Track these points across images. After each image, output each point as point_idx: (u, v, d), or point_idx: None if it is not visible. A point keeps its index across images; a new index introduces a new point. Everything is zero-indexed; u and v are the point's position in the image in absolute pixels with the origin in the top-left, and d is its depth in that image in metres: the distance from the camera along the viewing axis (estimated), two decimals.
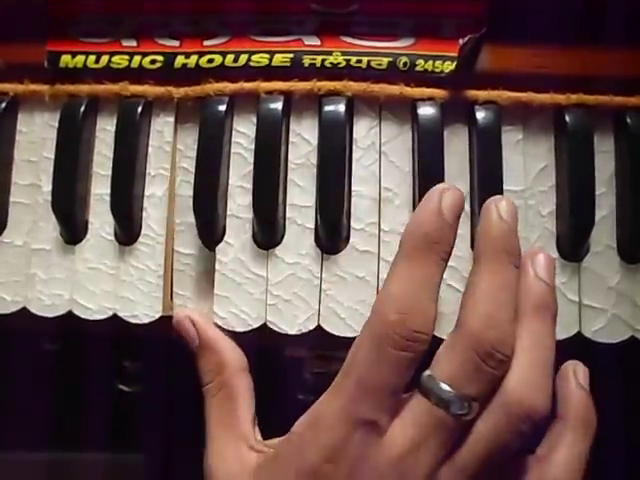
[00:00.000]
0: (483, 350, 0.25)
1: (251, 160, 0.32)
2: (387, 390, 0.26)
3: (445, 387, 0.25)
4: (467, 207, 0.32)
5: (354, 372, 0.26)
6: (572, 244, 0.32)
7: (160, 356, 0.38)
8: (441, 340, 0.31)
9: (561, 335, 0.31)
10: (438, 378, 0.26)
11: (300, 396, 0.37)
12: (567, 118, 0.32)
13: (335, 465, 0.25)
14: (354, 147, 0.32)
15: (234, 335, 0.32)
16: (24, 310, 0.33)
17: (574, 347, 0.32)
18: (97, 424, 0.37)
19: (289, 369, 0.36)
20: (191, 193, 0.32)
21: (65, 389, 0.38)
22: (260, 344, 0.33)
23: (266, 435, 0.30)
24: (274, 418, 0.33)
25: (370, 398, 0.25)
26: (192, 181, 0.33)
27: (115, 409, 0.38)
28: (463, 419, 0.25)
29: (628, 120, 0.32)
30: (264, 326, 0.32)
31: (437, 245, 0.26)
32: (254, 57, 0.33)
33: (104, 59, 0.33)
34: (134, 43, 0.33)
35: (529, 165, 0.33)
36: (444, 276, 0.30)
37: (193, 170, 0.33)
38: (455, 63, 0.32)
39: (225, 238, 0.32)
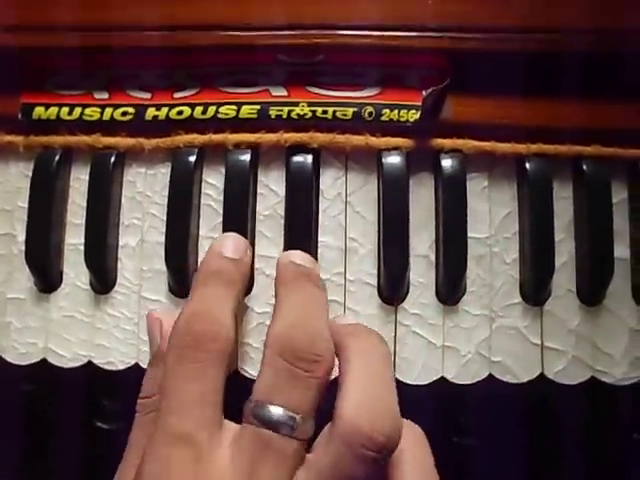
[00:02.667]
0: (290, 354, 0.25)
1: (220, 211, 0.33)
2: (194, 396, 0.25)
3: (267, 407, 0.25)
4: (432, 256, 0.33)
5: (161, 388, 0.26)
6: (534, 290, 0.33)
7: (138, 393, 0.38)
8: (405, 385, 0.32)
9: (525, 377, 0.33)
10: (254, 397, 0.25)
11: None
12: (527, 167, 0.33)
13: None
14: (321, 198, 0.33)
15: None
16: None
17: (537, 388, 0.33)
18: (74, 462, 0.38)
19: None
20: (159, 239, 0.33)
21: (42, 427, 0.38)
22: (233, 386, 0.34)
23: None
24: None
25: (177, 410, 0.25)
26: (159, 227, 0.34)
27: (93, 447, 0.38)
28: (295, 439, 0.24)
29: (585, 167, 0.33)
30: (235, 372, 0.33)
31: (221, 274, 0.29)
32: (222, 109, 0.33)
33: (77, 111, 0.34)
34: (106, 95, 0.34)
35: (494, 211, 0.34)
36: (408, 323, 0.32)
37: (160, 216, 0.34)
38: (420, 112, 0.33)
39: None
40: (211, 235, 0.33)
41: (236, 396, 0.33)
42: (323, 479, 0.24)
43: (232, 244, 0.30)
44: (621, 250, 0.33)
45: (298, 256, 0.30)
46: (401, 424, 0.25)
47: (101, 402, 0.39)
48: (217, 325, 0.27)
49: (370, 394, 0.25)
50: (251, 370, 0.32)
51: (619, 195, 0.33)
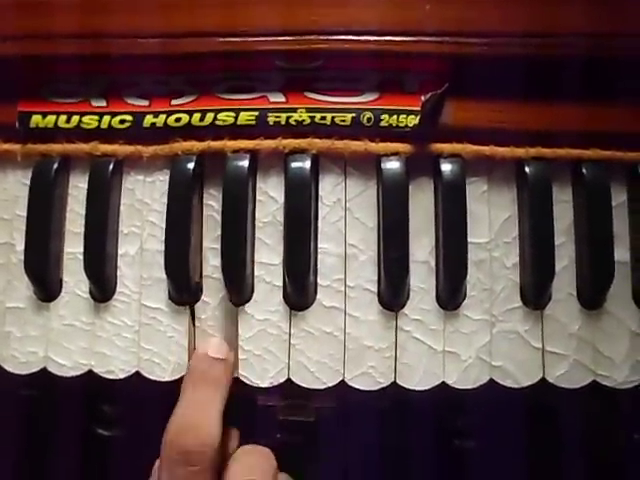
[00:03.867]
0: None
1: (219, 219, 0.33)
2: None
3: None
4: (432, 261, 0.33)
5: None
6: (535, 294, 0.33)
7: (139, 400, 0.38)
8: (408, 390, 0.32)
9: (526, 382, 0.33)
10: None
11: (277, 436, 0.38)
12: (527, 170, 0.33)
13: None
14: (320, 204, 0.33)
15: None
16: None
17: (539, 393, 0.33)
18: (74, 469, 0.38)
19: (262, 416, 0.37)
20: (158, 247, 0.33)
21: (42, 436, 0.38)
22: (235, 393, 0.34)
23: None
24: None
25: None
26: (158, 235, 0.33)
27: (93, 454, 0.38)
28: None
29: (584, 171, 0.33)
30: (237, 379, 0.33)
31: (208, 375, 0.32)
32: (220, 115, 0.33)
33: (75, 119, 0.34)
34: (104, 103, 0.34)
35: (494, 216, 0.34)
36: (409, 329, 0.32)
37: (160, 224, 0.34)
38: (419, 117, 0.33)
39: (202, 297, 0.33)
40: (214, 246, 0.33)
41: (237, 403, 0.34)
42: None
43: (215, 345, 0.32)
44: (621, 253, 0.33)
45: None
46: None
47: (101, 409, 0.39)
48: (203, 437, 0.30)
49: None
50: (251, 377, 0.32)
51: (618, 198, 0.33)
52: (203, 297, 0.33)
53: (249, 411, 0.35)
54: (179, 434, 0.30)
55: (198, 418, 0.30)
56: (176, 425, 0.30)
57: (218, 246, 0.33)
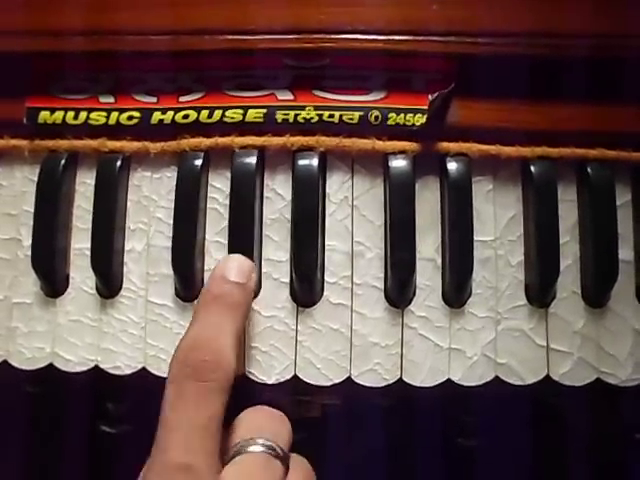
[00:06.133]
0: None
1: (227, 215, 0.33)
2: (193, 427, 0.26)
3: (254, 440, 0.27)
4: (438, 259, 0.33)
5: (161, 419, 0.26)
6: (539, 292, 0.33)
7: (144, 397, 0.38)
8: (414, 387, 0.32)
9: (530, 379, 0.33)
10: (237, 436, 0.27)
11: None
12: (532, 170, 0.33)
13: None
14: (327, 202, 0.33)
15: None
16: (5, 363, 0.34)
17: (543, 390, 0.33)
18: (80, 465, 0.38)
19: None
20: (165, 244, 0.33)
21: (47, 431, 0.38)
22: (240, 390, 0.34)
23: None
24: None
25: (177, 440, 0.26)
26: (165, 231, 0.34)
27: (98, 451, 0.38)
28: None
29: (589, 170, 0.33)
30: (243, 375, 0.33)
31: (224, 298, 0.29)
32: (228, 112, 0.33)
33: (82, 115, 0.34)
34: (112, 99, 0.34)
35: (499, 214, 0.34)
36: (415, 326, 0.32)
37: (167, 220, 0.34)
38: (426, 116, 0.33)
39: None
40: (217, 239, 0.33)
41: (244, 399, 0.34)
42: None
43: (236, 267, 0.30)
44: (625, 252, 0.33)
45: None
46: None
47: (106, 406, 0.39)
48: (217, 355, 0.27)
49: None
50: (258, 373, 0.32)
51: (623, 197, 0.33)
52: None
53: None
54: (192, 349, 0.27)
55: (213, 337, 0.28)
56: (188, 342, 0.28)
57: (222, 239, 0.33)
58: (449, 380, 0.32)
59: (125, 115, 0.34)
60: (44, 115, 0.34)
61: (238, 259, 0.31)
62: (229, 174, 0.33)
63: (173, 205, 0.33)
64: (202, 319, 0.29)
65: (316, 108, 0.33)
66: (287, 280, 0.33)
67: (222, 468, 0.27)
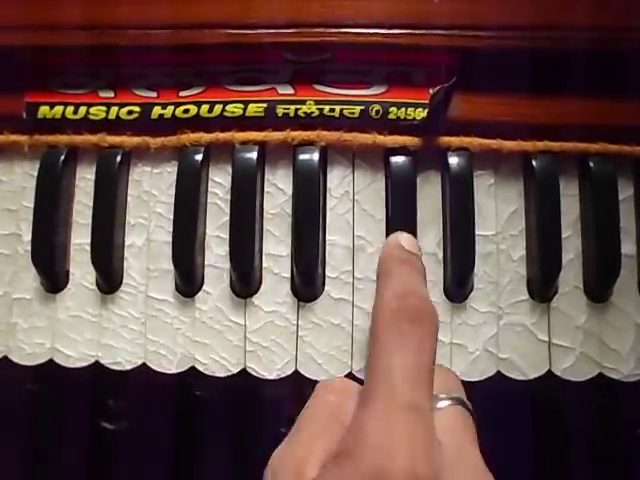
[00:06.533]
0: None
1: (227, 210, 0.33)
2: (418, 369, 0.25)
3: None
4: (439, 253, 0.33)
5: (376, 365, 0.25)
6: (541, 287, 0.33)
7: (144, 393, 0.38)
8: None
9: (532, 374, 0.33)
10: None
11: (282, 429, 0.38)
12: (534, 164, 0.33)
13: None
14: (328, 196, 0.33)
15: (215, 380, 0.33)
16: (5, 359, 0.34)
17: (545, 385, 0.33)
18: (80, 462, 0.38)
19: (269, 408, 0.37)
20: (165, 239, 0.33)
21: (47, 427, 0.38)
22: (241, 385, 0.34)
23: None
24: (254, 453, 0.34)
25: (404, 381, 0.25)
26: (166, 226, 0.33)
27: (98, 447, 0.38)
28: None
29: (591, 165, 0.33)
30: (244, 371, 0.33)
31: (411, 262, 0.30)
32: (228, 107, 0.33)
33: (82, 110, 0.34)
34: (111, 94, 0.34)
35: (501, 209, 0.34)
36: None
37: (167, 215, 0.34)
38: (427, 110, 0.33)
39: (204, 287, 0.33)
40: (218, 234, 0.33)
41: (244, 395, 0.34)
42: None
43: (409, 240, 0.31)
44: (628, 247, 0.33)
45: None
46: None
47: (107, 402, 0.39)
48: (428, 302, 0.28)
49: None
50: (259, 369, 0.32)
51: (625, 192, 0.33)
52: (204, 287, 0.33)
53: (256, 403, 0.36)
54: (404, 296, 0.27)
55: (417, 287, 0.28)
56: (396, 290, 0.28)
57: (222, 234, 0.33)
58: None
59: (125, 110, 0.34)
60: (43, 110, 0.34)
61: (408, 235, 0.31)
62: (230, 169, 0.33)
63: (173, 200, 0.33)
64: (400, 274, 0.29)
65: (317, 102, 0.33)
66: (288, 275, 0.33)
67: None
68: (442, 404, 0.26)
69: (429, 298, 0.28)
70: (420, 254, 0.31)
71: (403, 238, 0.31)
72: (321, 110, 0.33)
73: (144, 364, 0.33)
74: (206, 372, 0.33)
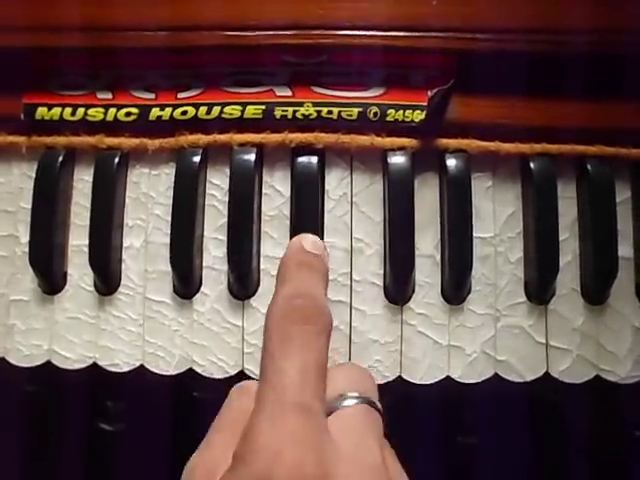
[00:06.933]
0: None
1: (225, 212, 0.33)
2: (307, 369, 0.25)
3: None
4: (437, 255, 0.33)
5: (268, 367, 0.26)
6: (539, 289, 0.33)
7: (142, 395, 0.38)
8: (413, 385, 0.32)
9: (530, 376, 0.33)
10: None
11: None
12: (532, 166, 0.33)
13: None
14: (326, 198, 0.33)
15: (213, 381, 0.33)
16: (2, 360, 0.34)
17: (542, 387, 0.33)
18: (78, 463, 0.38)
19: None
20: (163, 240, 0.33)
21: (45, 429, 0.38)
22: None
23: None
24: None
25: (293, 381, 0.25)
26: (164, 228, 0.33)
27: (96, 449, 0.38)
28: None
29: (589, 167, 0.33)
30: (241, 373, 0.33)
31: (311, 264, 0.30)
32: (226, 109, 0.33)
33: (80, 112, 0.34)
34: (109, 95, 0.34)
35: (498, 211, 0.34)
36: (414, 323, 0.32)
37: (165, 217, 0.34)
38: (425, 113, 0.33)
39: (201, 289, 0.33)
40: (216, 236, 0.33)
41: None
42: None
43: (314, 242, 0.31)
44: (625, 249, 0.33)
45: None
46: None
47: (104, 404, 0.39)
48: (319, 301, 0.28)
49: None
50: (256, 370, 0.32)
51: (623, 194, 0.33)
52: (202, 289, 0.33)
53: None
54: (293, 297, 0.28)
55: (310, 288, 0.28)
56: (287, 293, 0.28)
57: (220, 236, 0.33)
58: (448, 377, 0.32)
59: (123, 111, 0.34)
60: (41, 111, 0.34)
61: (312, 236, 0.31)
62: (228, 170, 0.33)
63: (171, 202, 0.33)
64: (294, 278, 0.29)
65: (315, 104, 0.33)
66: None
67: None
68: (348, 402, 0.26)
69: (323, 299, 0.29)
70: (324, 254, 0.31)
71: (305, 239, 0.31)
72: (319, 112, 0.33)
73: (142, 366, 0.33)
74: (204, 374, 0.33)
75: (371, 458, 0.25)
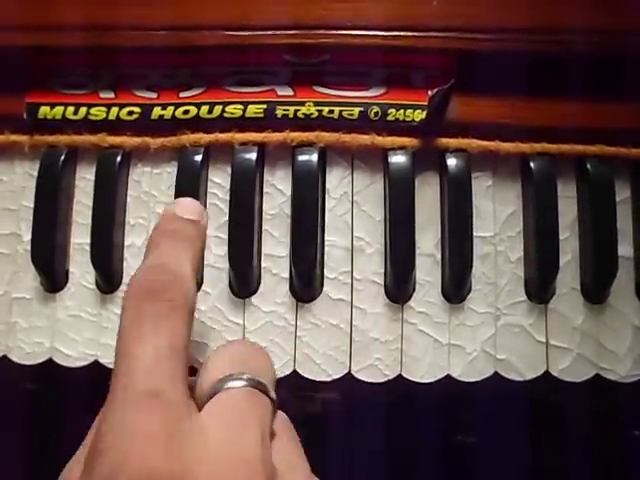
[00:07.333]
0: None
1: (226, 210, 0.33)
2: (157, 350, 0.22)
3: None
4: (437, 254, 0.33)
5: (118, 347, 0.23)
6: (539, 288, 0.33)
7: None
8: (413, 383, 0.32)
9: (530, 375, 0.33)
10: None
11: None
12: (532, 166, 0.33)
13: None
14: (327, 197, 0.33)
15: None
16: (4, 358, 0.34)
17: (542, 386, 0.33)
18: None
19: None
20: None
21: (46, 427, 0.38)
22: None
23: None
24: None
25: (141, 366, 0.22)
26: None
27: None
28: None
29: (589, 167, 0.33)
30: None
31: (177, 232, 0.27)
32: (228, 108, 0.34)
33: (82, 110, 0.34)
34: (112, 95, 0.34)
35: (498, 210, 0.34)
36: (415, 321, 0.32)
37: None
38: (425, 112, 0.33)
39: (203, 287, 0.33)
40: (217, 234, 0.33)
41: None
42: None
43: (187, 206, 0.28)
44: (625, 248, 0.33)
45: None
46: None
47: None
48: (173, 274, 0.25)
49: None
50: None
51: (622, 194, 0.34)
52: (204, 287, 0.33)
53: None
54: (145, 273, 0.25)
55: (168, 261, 0.26)
56: (142, 268, 0.25)
57: (222, 234, 0.33)
58: (449, 376, 0.32)
59: (125, 110, 0.34)
60: (44, 110, 0.34)
61: (189, 199, 0.29)
62: (229, 169, 0.33)
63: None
64: (154, 251, 0.27)
65: (316, 104, 0.33)
66: (287, 275, 0.33)
67: (199, 404, 0.23)
68: (231, 384, 0.23)
69: (182, 270, 0.25)
70: (199, 217, 0.28)
71: (178, 204, 0.28)
72: (320, 111, 0.33)
73: None
74: None
75: (245, 451, 0.21)
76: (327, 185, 0.33)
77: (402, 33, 0.33)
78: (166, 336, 0.23)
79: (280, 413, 0.25)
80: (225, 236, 0.33)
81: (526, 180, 0.34)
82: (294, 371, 0.32)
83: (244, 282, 0.33)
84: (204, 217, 0.29)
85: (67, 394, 0.36)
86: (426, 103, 0.33)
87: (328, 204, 0.33)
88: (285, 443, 0.24)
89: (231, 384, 0.23)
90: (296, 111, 0.33)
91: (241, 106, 0.33)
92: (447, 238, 0.33)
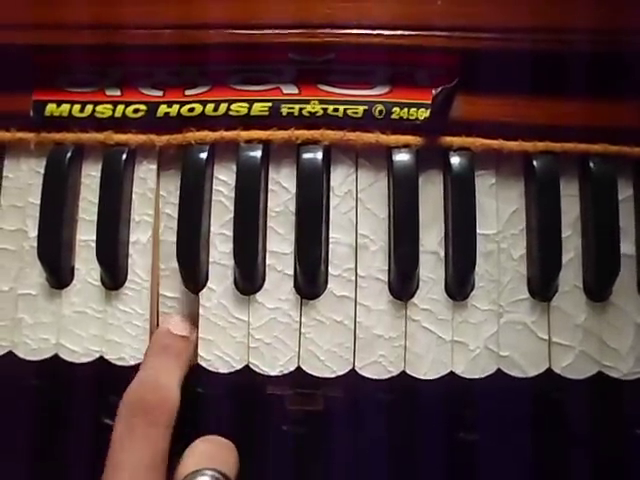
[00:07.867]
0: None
1: (232, 208, 0.33)
2: (139, 465, 0.28)
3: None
4: (441, 252, 0.33)
5: (109, 456, 0.28)
6: (542, 286, 0.33)
7: None
8: (417, 380, 0.33)
9: (532, 372, 0.33)
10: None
11: (284, 427, 0.39)
12: (535, 164, 0.33)
13: None
14: (331, 195, 0.34)
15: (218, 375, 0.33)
16: (10, 354, 0.34)
17: (545, 383, 0.33)
18: (83, 458, 0.38)
19: (271, 405, 0.37)
20: (175, 239, 0.33)
21: (51, 423, 0.38)
22: (243, 382, 0.34)
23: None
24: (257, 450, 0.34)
25: (123, 478, 0.27)
26: (175, 227, 0.34)
27: (102, 442, 0.38)
28: None
29: (592, 165, 0.33)
30: (247, 367, 0.33)
31: (170, 347, 0.33)
32: (233, 106, 0.34)
33: (88, 108, 0.34)
34: (118, 92, 0.34)
35: (501, 208, 0.34)
36: (418, 318, 0.33)
37: (176, 216, 0.34)
38: (429, 111, 0.33)
39: (208, 284, 0.33)
40: (222, 232, 0.33)
41: (247, 391, 0.34)
42: None
43: (178, 324, 0.33)
44: (627, 246, 0.33)
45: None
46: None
47: (111, 398, 0.39)
48: (162, 393, 0.30)
49: None
50: (262, 365, 0.32)
51: (625, 192, 0.34)
52: (209, 284, 0.33)
53: (258, 400, 0.36)
54: (138, 389, 0.30)
55: (158, 378, 0.31)
56: (135, 383, 0.30)
57: (226, 232, 0.33)
58: (452, 373, 0.33)
59: (131, 108, 0.34)
60: (50, 108, 0.35)
61: (176, 317, 0.34)
62: (234, 167, 0.34)
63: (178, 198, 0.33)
64: (149, 365, 0.32)
65: (321, 102, 0.34)
66: (291, 272, 0.33)
67: None
68: (200, 479, 0.28)
69: (169, 386, 0.30)
70: (189, 333, 0.33)
71: (171, 322, 0.34)
72: (325, 110, 0.33)
73: None
74: (210, 368, 0.33)
75: None
76: (332, 183, 0.34)
77: (406, 32, 0.33)
78: (150, 451, 0.28)
79: None
80: (230, 233, 0.33)
81: (529, 178, 0.34)
82: (298, 367, 0.32)
83: (249, 279, 0.33)
84: (193, 334, 0.34)
85: (72, 390, 0.36)
86: (430, 102, 0.33)
87: (333, 202, 0.34)
88: None
89: (201, 479, 0.28)
90: (301, 109, 0.33)
91: (246, 104, 0.34)
92: (451, 236, 0.33)
